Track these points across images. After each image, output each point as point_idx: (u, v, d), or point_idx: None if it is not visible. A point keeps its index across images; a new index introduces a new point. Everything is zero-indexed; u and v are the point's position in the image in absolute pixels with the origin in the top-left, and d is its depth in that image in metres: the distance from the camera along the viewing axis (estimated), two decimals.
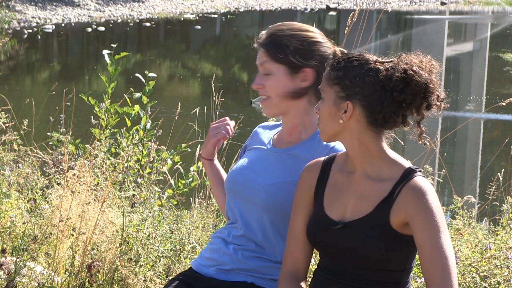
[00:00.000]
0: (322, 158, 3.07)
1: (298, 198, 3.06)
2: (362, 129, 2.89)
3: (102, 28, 27.81)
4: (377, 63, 2.87)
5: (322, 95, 2.93)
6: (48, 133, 6.29)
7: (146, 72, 6.16)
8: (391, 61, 2.89)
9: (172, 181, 5.91)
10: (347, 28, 4.99)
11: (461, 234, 4.32)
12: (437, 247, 2.79)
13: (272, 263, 3.19)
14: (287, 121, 3.28)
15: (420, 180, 2.86)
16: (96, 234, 4.51)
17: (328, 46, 3.23)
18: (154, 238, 4.51)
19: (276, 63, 3.20)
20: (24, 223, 4.72)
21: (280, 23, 3.27)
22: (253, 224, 3.22)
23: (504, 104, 4.94)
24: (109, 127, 6.07)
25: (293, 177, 3.18)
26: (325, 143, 3.20)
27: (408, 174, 2.88)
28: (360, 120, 2.88)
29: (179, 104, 6.40)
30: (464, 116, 16.17)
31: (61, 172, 5.53)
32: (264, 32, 3.25)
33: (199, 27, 29.83)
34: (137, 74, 6.33)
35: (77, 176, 4.70)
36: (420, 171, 2.91)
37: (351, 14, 5.00)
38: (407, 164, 2.92)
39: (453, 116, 15.99)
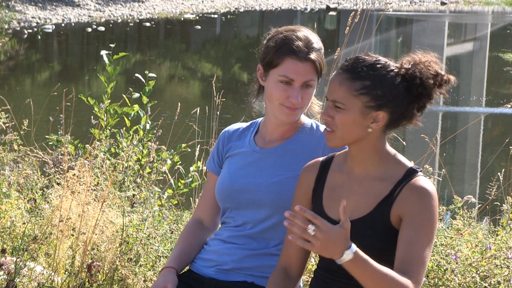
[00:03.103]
0: (320, 158, 3.07)
1: (296, 197, 3.07)
2: (379, 133, 2.90)
3: (102, 28, 27.79)
4: (402, 69, 2.86)
5: (339, 104, 2.86)
6: (46, 136, 6.29)
7: (146, 72, 6.16)
8: (410, 65, 2.87)
9: (172, 181, 5.91)
10: (347, 28, 4.99)
11: (461, 234, 4.32)
12: (415, 246, 2.79)
13: (277, 257, 3.18)
14: (282, 124, 3.27)
15: (421, 180, 2.86)
16: (96, 234, 4.51)
17: None
18: (154, 238, 4.51)
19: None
20: (24, 223, 4.72)
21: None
22: (260, 226, 3.22)
23: (509, 106, 4.94)
24: (109, 127, 6.07)
25: (294, 171, 3.18)
26: (322, 131, 3.22)
27: (410, 174, 2.88)
28: (383, 126, 2.88)
29: (179, 104, 6.40)
30: (465, 111, 16.17)
31: (61, 172, 5.53)
32: None
33: (199, 27, 29.82)
34: (137, 75, 6.33)
35: (77, 176, 4.69)
36: (421, 170, 2.91)
37: (352, 14, 5.00)
38: (409, 164, 2.92)
39: (453, 116, 15.99)
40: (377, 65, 2.86)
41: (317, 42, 3.22)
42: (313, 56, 3.17)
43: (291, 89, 3.18)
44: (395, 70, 2.86)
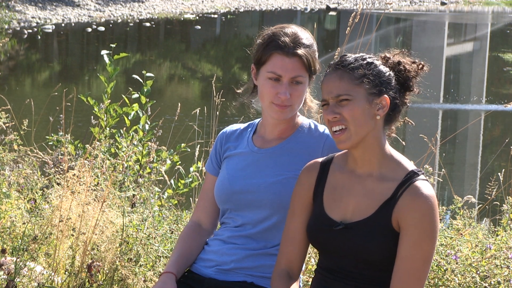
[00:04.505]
0: (320, 159, 3.07)
1: (296, 198, 3.06)
2: (380, 127, 2.92)
3: (102, 28, 27.79)
4: (385, 59, 2.95)
5: (344, 96, 2.88)
6: (47, 137, 6.29)
7: (144, 72, 6.16)
8: (388, 55, 2.97)
9: (172, 182, 5.90)
10: (348, 28, 4.98)
11: (461, 234, 4.32)
12: (411, 263, 2.82)
13: (275, 257, 3.18)
14: (279, 123, 3.26)
15: (421, 185, 2.86)
16: (96, 234, 4.51)
17: None
18: (154, 238, 4.51)
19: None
20: (24, 223, 4.72)
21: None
22: (259, 226, 3.22)
23: (509, 105, 4.94)
24: (109, 127, 6.07)
25: (293, 171, 3.18)
26: (321, 131, 3.23)
27: (411, 176, 2.88)
28: (384, 117, 2.92)
29: (179, 104, 6.40)
30: (465, 109, 16.19)
31: (61, 172, 5.53)
32: None
33: (199, 27, 29.82)
34: (134, 75, 6.32)
35: (77, 176, 4.69)
36: (423, 173, 2.91)
37: (353, 14, 5.00)
38: (410, 166, 2.92)
39: (453, 115, 15.99)
40: (365, 56, 2.94)
41: (307, 38, 3.22)
42: (300, 51, 3.16)
43: (279, 85, 3.18)
44: (380, 61, 2.95)
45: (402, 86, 2.95)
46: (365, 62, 2.91)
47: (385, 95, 2.89)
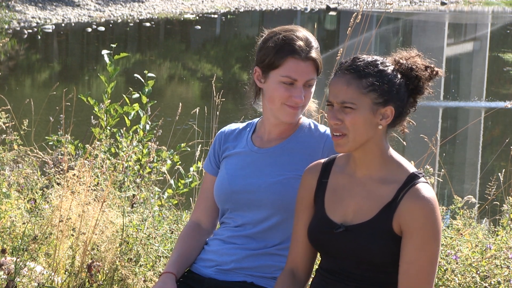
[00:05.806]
0: (322, 160, 3.06)
1: (299, 200, 3.06)
2: (382, 133, 2.90)
3: (102, 28, 27.78)
4: (398, 64, 2.90)
5: (349, 105, 2.85)
6: (47, 137, 6.28)
7: (145, 72, 6.16)
8: (405, 60, 2.92)
9: (172, 181, 5.90)
10: (349, 29, 4.98)
11: (461, 234, 4.32)
12: (418, 267, 2.81)
13: (277, 257, 3.18)
14: (281, 123, 3.26)
15: (422, 188, 2.85)
16: (96, 234, 4.51)
17: None
18: (154, 238, 4.51)
19: None
20: (24, 223, 4.72)
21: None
22: (260, 226, 3.22)
23: (509, 105, 4.94)
24: (109, 127, 6.07)
25: (294, 171, 3.17)
26: (321, 131, 3.23)
27: (412, 179, 2.87)
28: (388, 123, 2.90)
29: (180, 104, 6.40)
30: (466, 106, 16.19)
31: (61, 172, 5.53)
32: None
33: (199, 27, 29.81)
34: (136, 75, 6.32)
35: (77, 176, 4.69)
36: (423, 175, 2.90)
37: (354, 15, 5.00)
38: (411, 168, 2.91)
39: (453, 115, 15.99)
40: (377, 62, 2.89)
41: (314, 40, 3.25)
42: (314, 55, 3.19)
43: (293, 89, 3.18)
44: (393, 66, 2.90)
45: (411, 92, 2.92)
46: (376, 69, 2.86)
47: (391, 106, 2.87)
